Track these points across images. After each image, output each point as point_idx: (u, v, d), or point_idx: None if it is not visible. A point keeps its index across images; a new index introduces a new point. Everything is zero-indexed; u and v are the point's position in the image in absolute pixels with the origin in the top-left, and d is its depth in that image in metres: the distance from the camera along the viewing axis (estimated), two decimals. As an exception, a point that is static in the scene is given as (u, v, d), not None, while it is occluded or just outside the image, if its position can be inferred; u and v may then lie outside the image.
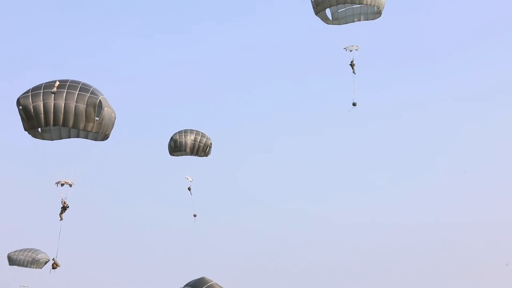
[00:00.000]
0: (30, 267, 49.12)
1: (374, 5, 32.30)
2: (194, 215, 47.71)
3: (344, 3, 31.98)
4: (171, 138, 43.85)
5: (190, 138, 43.53)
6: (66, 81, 25.64)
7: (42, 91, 25.20)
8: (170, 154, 44.28)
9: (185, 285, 28.77)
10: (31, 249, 49.54)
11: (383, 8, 33.13)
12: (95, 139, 26.49)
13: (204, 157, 44.94)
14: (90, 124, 25.21)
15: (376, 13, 33.16)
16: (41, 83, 25.82)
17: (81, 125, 25.02)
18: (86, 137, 26.48)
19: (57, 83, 25.06)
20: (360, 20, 33.44)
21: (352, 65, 34.61)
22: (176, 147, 43.46)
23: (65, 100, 24.80)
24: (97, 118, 25.29)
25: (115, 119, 26.57)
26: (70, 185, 34.09)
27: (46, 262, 49.81)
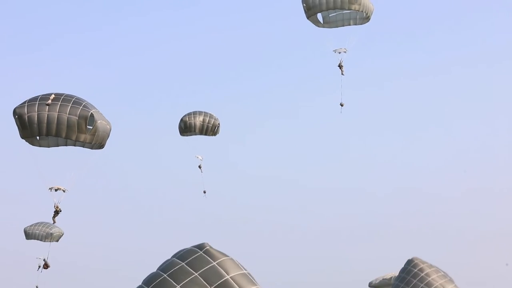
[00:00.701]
0: (45, 241, 50.81)
1: (362, 11, 33.87)
2: (204, 192, 50.29)
3: (334, 9, 33.51)
4: (181, 120, 46.18)
5: (199, 120, 45.74)
6: (61, 94, 27.34)
7: (37, 102, 27.03)
8: (180, 135, 46.22)
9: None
10: (46, 224, 51.31)
11: (372, 14, 34.76)
12: (91, 148, 27.84)
13: (213, 136, 47.08)
14: (82, 136, 26.76)
15: (364, 18, 34.77)
16: (37, 95, 27.45)
17: (73, 136, 26.53)
18: (83, 146, 27.86)
19: (52, 96, 26.75)
20: (349, 25, 35.07)
21: (340, 66, 36.01)
22: (186, 128, 45.62)
23: (58, 112, 26.25)
24: (90, 127, 26.70)
25: (110, 130, 27.93)
26: (64, 191, 35.41)
27: (60, 236, 51.52)
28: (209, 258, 29.03)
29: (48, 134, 26.26)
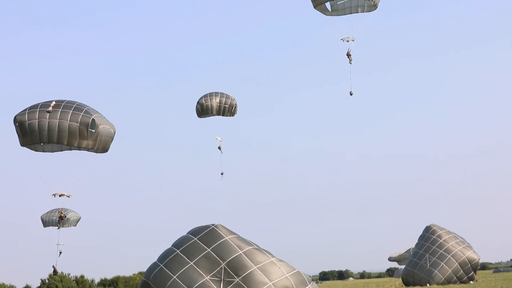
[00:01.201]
0: (63, 227, 51.30)
1: (371, 1, 33.53)
2: (222, 173, 50.19)
3: None
4: (198, 102, 45.83)
5: (215, 101, 45.56)
6: (62, 101, 26.85)
7: (38, 109, 26.51)
8: (198, 117, 45.63)
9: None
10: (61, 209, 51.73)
11: (379, 1, 34.43)
12: (95, 152, 27.50)
13: (230, 117, 46.92)
14: (84, 142, 26.36)
15: (372, 6, 34.53)
16: (38, 102, 26.92)
17: (75, 143, 26.13)
18: (86, 150, 27.49)
19: (53, 103, 26.24)
20: (357, 12, 34.33)
21: (348, 55, 35.75)
22: (203, 111, 45.45)
23: (59, 119, 25.75)
24: (93, 130, 26.27)
25: (114, 133, 27.52)
26: (68, 197, 35.49)
27: (77, 220, 52.03)
28: (221, 233, 29.46)
29: (49, 141, 25.80)
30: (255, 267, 28.54)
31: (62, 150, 27.61)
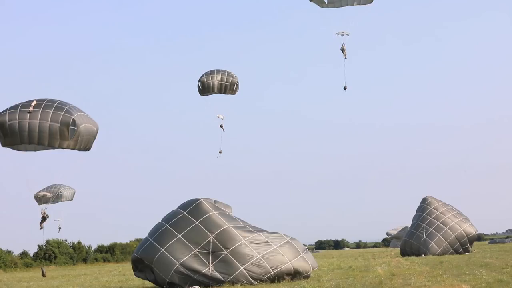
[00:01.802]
0: (58, 202, 51.27)
1: None
2: (220, 152, 49.78)
3: None
4: (199, 80, 45.49)
5: (217, 79, 45.17)
6: (43, 100, 26.52)
7: (19, 110, 26.33)
8: (200, 95, 45.33)
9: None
10: (55, 186, 51.44)
11: None
12: (78, 150, 27.20)
13: (232, 95, 46.53)
14: (66, 142, 26.02)
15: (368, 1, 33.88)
16: (19, 102, 26.59)
17: (56, 143, 25.84)
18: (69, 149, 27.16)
19: (34, 102, 25.86)
20: (353, 5, 34.00)
21: (342, 49, 35.60)
22: (204, 89, 45.19)
23: (39, 119, 25.48)
24: (74, 128, 25.92)
25: (97, 131, 27.21)
26: (49, 197, 35.59)
27: (73, 194, 52.02)
28: (209, 207, 29.52)
29: (30, 142, 25.37)
30: (243, 240, 28.65)
31: (44, 149, 27.29)
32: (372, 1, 34.02)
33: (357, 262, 51.33)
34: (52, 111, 25.71)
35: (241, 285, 27.94)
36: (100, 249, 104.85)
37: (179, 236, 28.55)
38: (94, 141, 27.87)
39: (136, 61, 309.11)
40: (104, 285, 35.15)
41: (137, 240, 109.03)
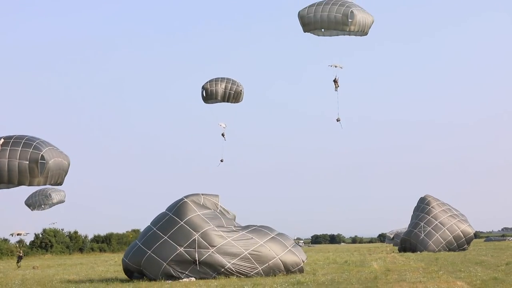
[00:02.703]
0: (47, 207, 51.15)
1: (359, 31, 33.53)
2: (221, 160, 49.59)
3: (329, 29, 32.79)
4: (203, 87, 44.89)
5: (221, 87, 44.62)
6: (11, 137, 26.17)
7: None
8: (203, 102, 45.20)
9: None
10: (44, 191, 51.26)
11: (370, 27, 34.17)
12: (51, 185, 27.13)
13: (236, 104, 46.32)
14: (36, 179, 25.86)
15: (363, 33, 34.12)
16: None
17: (26, 182, 25.65)
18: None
19: (2, 140, 25.49)
20: (349, 35, 34.01)
21: (335, 81, 35.60)
22: (207, 95, 44.60)
23: (8, 158, 25.23)
24: (43, 162, 25.77)
25: (68, 165, 27.05)
26: (25, 235, 35.64)
27: (64, 196, 51.88)
28: (193, 207, 29.64)
29: (0, 182, 25.33)
30: (228, 239, 28.75)
31: (16, 187, 27.27)
32: (367, 33, 33.93)
33: (353, 257, 51.46)
34: (20, 149, 25.40)
35: (236, 276, 28.03)
36: (97, 239, 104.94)
37: (165, 237, 28.81)
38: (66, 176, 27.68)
39: (143, 52, 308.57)
40: (100, 275, 35.21)
41: (134, 230, 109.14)
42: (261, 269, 28.73)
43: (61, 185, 27.23)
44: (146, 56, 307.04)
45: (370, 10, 33.71)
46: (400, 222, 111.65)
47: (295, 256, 29.76)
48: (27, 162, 25.16)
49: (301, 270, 29.91)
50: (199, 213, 29.56)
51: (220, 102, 45.43)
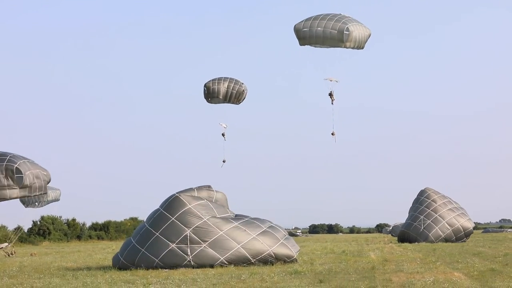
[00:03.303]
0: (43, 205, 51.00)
1: (355, 47, 33.40)
2: (223, 161, 49.22)
3: (323, 44, 32.60)
4: (205, 85, 44.50)
5: (223, 86, 44.23)
6: None
7: None
8: (206, 100, 44.98)
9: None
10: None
11: (366, 43, 34.07)
12: (34, 197, 27.05)
13: (236, 105, 45.91)
14: (15, 191, 25.51)
15: (359, 48, 33.96)
16: None
17: (7, 195, 25.32)
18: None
19: None
20: (346, 48, 33.95)
21: (331, 95, 35.53)
22: (209, 94, 44.38)
23: None
24: (21, 175, 25.56)
25: (47, 177, 26.69)
26: (10, 254, 35.92)
27: (60, 194, 51.73)
28: (184, 201, 29.66)
29: None
30: (221, 232, 28.73)
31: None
32: (364, 47, 33.76)
33: (351, 247, 51.54)
34: None
35: (234, 265, 28.03)
36: (95, 227, 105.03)
37: (157, 234, 28.81)
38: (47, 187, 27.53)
39: (149, 39, 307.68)
40: (97, 263, 35.24)
41: (132, 218, 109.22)
42: (253, 261, 28.72)
43: (45, 194, 26.99)
44: (149, 47, 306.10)
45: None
46: (398, 213, 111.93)
47: (287, 249, 29.67)
48: (3, 175, 25.17)
49: (293, 261, 29.87)
50: (190, 206, 29.44)
51: (222, 101, 45.11)
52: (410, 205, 63.57)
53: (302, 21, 33.53)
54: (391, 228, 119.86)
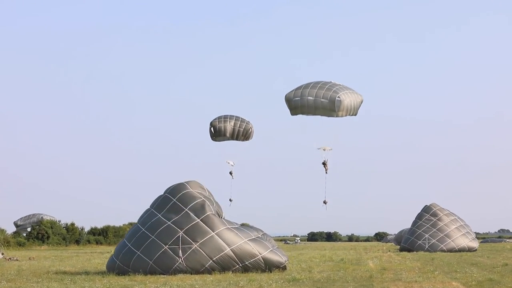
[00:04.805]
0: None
1: (347, 115, 33.50)
2: (230, 200, 48.88)
3: (315, 113, 32.64)
4: (211, 124, 44.13)
5: (230, 124, 43.96)
6: None
7: None
8: (211, 139, 44.70)
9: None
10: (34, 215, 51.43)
11: (358, 110, 34.17)
12: None
13: (245, 141, 45.81)
14: None
15: (352, 115, 34.10)
16: None
17: None
18: None
19: None
20: (341, 117, 34.02)
21: (324, 164, 35.51)
22: (216, 133, 43.94)
23: None
24: None
25: None
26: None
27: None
28: (180, 205, 29.92)
29: None
30: (213, 233, 28.72)
31: None
32: (357, 114, 33.75)
33: (349, 255, 51.47)
34: None
35: (232, 272, 28.00)
36: (93, 231, 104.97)
37: (152, 237, 28.99)
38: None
39: (150, 42, 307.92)
40: (96, 267, 35.21)
41: (130, 224, 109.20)
42: (241, 266, 28.59)
43: None
44: (148, 49, 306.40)
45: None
46: (397, 222, 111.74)
47: (278, 256, 29.54)
48: None
49: (284, 269, 29.64)
50: (185, 209, 29.50)
51: (229, 139, 44.97)
52: (409, 214, 63.73)
53: (292, 90, 33.22)
54: (394, 236, 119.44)
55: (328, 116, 32.65)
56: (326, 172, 36.00)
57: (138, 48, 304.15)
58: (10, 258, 48.56)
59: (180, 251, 28.23)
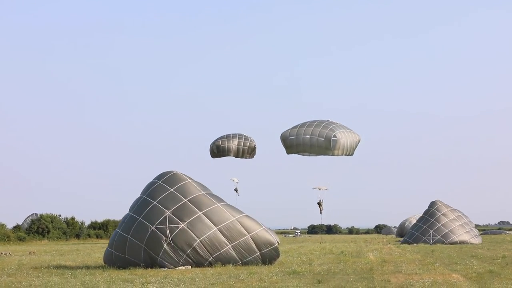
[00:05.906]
0: None
1: (343, 154, 32.70)
2: None
3: (310, 152, 32.51)
4: (214, 143, 43.73)
5: (233, 143, 43.73)
6: None
7: None
8: (211, 157, 44.30)
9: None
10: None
11: (355, 149, 34.14)
12: None
13: (250, 159, 45.58)
14: None
15: (348, 155, 33.53)
16: None
17: None
18: None
19: None
20: (337, 155, 33.76)
21: (319, 204, 35.49)
22: (218, 152, 43.72)
23: None
24: None
25: None
26: None
27: None
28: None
29: None
30: (200, 213, 28.78)
31: None
32: (353, 154, 33.60)
33: (349, 247, 51.54)
34: None
35: (232, 265, 28.03)
36: (93, 225, 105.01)
37: (140, 218, 29.06)
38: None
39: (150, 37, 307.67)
40: (96, 261, 35.24)
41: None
42: (231, 246, 28.44)
43: None
44: (146, 45, 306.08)
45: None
46: (397, 215, 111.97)
47: (269, 235, 29.33)
48: None
49: (276, 251, 29.42)
50: (171, 189, 29.63)
51: (231, 157, 44.81)
52: (409, 207, 64.27)
53: (288, 129, 33.10)
54: (396, 228, 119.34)
55: (324, 154, 32.46)
56: (320, 213, 36.10)
57: (136, 44, 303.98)
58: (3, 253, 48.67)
59: (168, 231, 28.27)
